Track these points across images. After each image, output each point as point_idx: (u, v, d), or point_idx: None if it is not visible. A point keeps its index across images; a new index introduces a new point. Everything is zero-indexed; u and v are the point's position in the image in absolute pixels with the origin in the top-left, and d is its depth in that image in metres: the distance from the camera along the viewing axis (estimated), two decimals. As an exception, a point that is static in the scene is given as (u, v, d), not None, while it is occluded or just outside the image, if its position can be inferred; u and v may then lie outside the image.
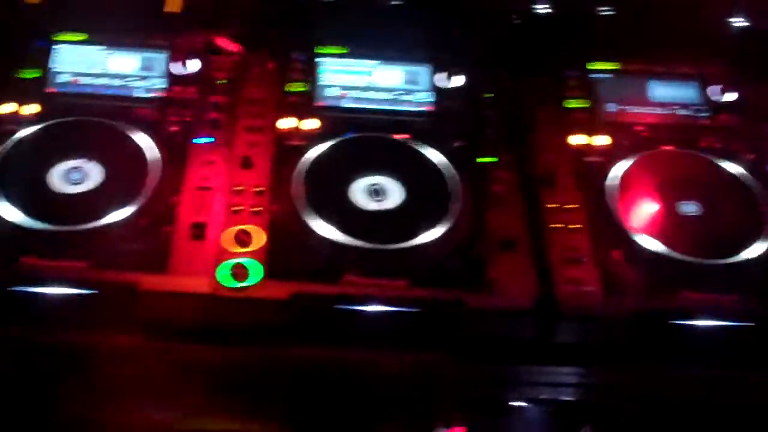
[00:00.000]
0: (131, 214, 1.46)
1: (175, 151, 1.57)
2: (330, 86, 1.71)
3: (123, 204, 1.46)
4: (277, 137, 1.62)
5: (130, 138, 1.57)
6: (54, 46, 1.72)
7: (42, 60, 1.70)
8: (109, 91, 1.67)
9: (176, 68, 1.71)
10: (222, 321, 1.40)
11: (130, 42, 1.73)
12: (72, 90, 1.67)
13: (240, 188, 1.52)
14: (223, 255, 1.43)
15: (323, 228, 1.45)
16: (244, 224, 1.47)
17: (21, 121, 1.60)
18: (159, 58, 1.72)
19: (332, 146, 1.58)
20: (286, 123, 1.64)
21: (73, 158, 1.53)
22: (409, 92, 1.71)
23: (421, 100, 1.71)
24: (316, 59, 1.74)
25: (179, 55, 1.72)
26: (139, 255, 1.43)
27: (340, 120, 1.66)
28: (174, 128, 1.61)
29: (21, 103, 1.63)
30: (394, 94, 1.71)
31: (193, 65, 1.71)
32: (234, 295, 1.39)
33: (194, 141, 1.59)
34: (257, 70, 1.73)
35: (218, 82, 1.70)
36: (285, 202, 1.51)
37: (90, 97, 1.67)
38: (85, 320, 1.40)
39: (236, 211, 1.49)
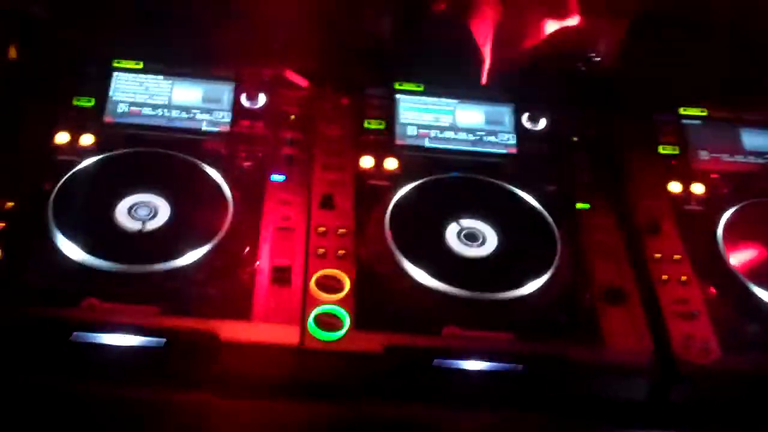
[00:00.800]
0: (206, 255, 1.31)
1: (248, 187, 1.44)
2: (409, 124, 1.59)
3: (197, 243, 1.32)
4: (357, 176, 1.49)
5: (203, 172, 1.43)
6: (113, 73, 1.59)
7: (98, 87, 1.57)
8: (173, 123, 1.54)
9: (244, 101, 1.58)
10: (310, 375, 1.25)
11: (193, 72, 1.61)
12: (132, 121, 1.54)
13: (323, 229, 1.39)
14: (310, 302, 1.29)
15: (418, 274, 1.32)
16: (329, 268, 1.33)
17: (78, 152, 1.47)
18: (224, 89, 1.60)
19: (420, 187, 1.46)
20: (366, 162, 1.51)
21: (140, 192, 1.39)
22: (491, 133, 1.60)
23: (504, 141, 1.59)
24: (395, 96, 1.62)
25: (246, 87, 1.59)
26: (215, 300, 1.29)
27: (422, 160, 1.54)
28: (246, 164, 1.48)
29: (76, 132, 1.49)
30: (477, 135, 1.59)
31: (261, 99, 1.59)
32: (324, 348, 1.25)
33: (271, 179, 1.46)
34: (330, 105, 1.61)
35: (290, 117, 1.57)
36: (372, 246, 1.38)
37: (151, 128, 1.53)
38: (155, 373, 1.24)
39: (321, 255, 1.35)
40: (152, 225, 1.35)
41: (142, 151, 1.47)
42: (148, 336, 1.23)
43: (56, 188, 1.37)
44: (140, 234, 1.34)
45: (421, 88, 1.64)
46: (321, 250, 1.36)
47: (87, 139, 1.49)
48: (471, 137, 1.59)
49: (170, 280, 1.29)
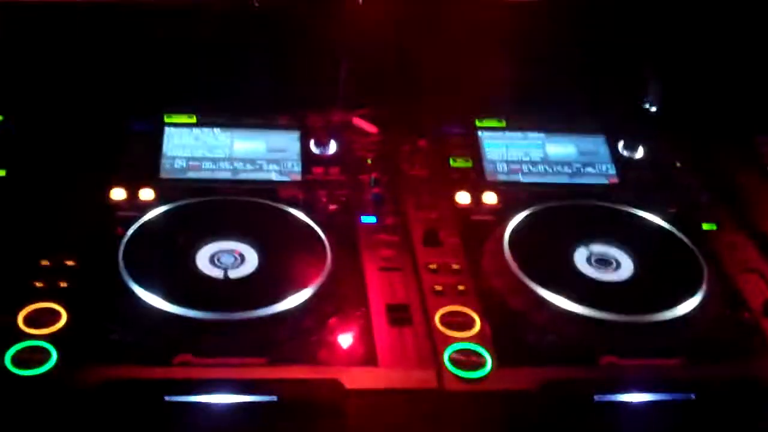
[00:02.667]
0: (310, 299, 1.12)
1: (339, 230, 1.26)
2: (499, 161, 1.44)
3: (296, 288, 1.12)
4: (457, 213, 1.32)
5: (291, 216, 1.25)
6: (164, 129, 1.42)
7: (147, 144, 1.39)
8: (239, 176, 1.37)
9: (313, 148, 1.42)
10: (452, 420, 1.04)
11: (252, 122, 1.45)
12: (193, 176, 1.36)
13: (434, 267, 1.21)
14: (440, 341, 1.09)
15: (560, 302, 1.13)
16: (452, 305, 1.14)
17: (139, 206, 1.28)
18: (289, 138, 1.44)
19: (535, 215, 1.29)
20: (462, 198, 1.35)
21: (219, 240, 1.20)
22: (588, 164, 1.45)
23: (603, 171, 1.44)
24: (477, 132, 1.47)
25: (314, 134, 1.43)
26: (331, 346, 1.09)
27: (520, 194, 1.38)
28: (331, 207, 1.31)
29: (133, 188, 1.31)
30: (573, 168, 1.44)
31: (332, 145, 1.43)
32: (468, 389, 1.04)
33: (362, 220, 1.28)
34: (408, 147, 1.45)
35: (367, 161, 1.41)
36: (496, 279, 1.19)
37: (215, 182, 1.35)
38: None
39: (439, 292, 1.16)
40: (239, 272, 1.16)
41: (218, 199, 1.29)
42: (259, 393, 1.02)
43: (125, 241, 1.18)
44: (227, 281, 1.14)
45: (503, 124, 1.50)
46: (438, 287, 1.17)
47: (147, 194, 1.31)
48: (567, 170, 1.44)
49: (273, 327, 1.09)
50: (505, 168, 1.43)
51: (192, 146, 1.41)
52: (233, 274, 1.16)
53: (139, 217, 1.23)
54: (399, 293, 1.17)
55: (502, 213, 1.33)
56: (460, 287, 1.17)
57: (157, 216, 1.24)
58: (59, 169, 1.33)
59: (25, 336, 1.05)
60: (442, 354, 1.07)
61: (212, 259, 1.17)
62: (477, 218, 1.32)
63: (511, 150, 1.46)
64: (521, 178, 1.42)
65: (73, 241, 1.19)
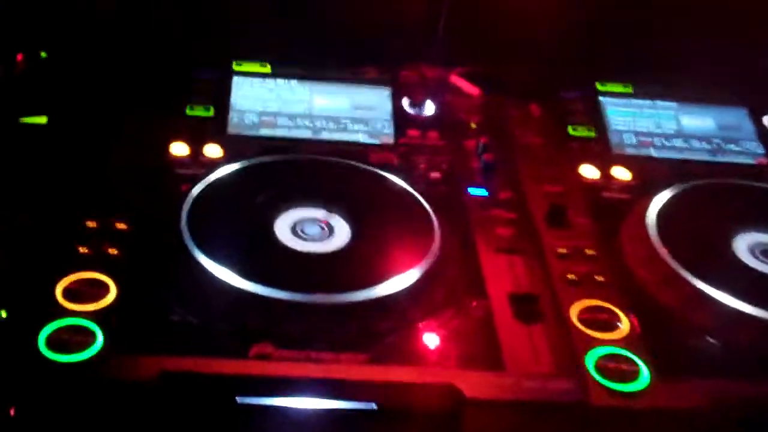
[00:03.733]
0: (417, 282, 0.90)
1: (444, 202, 1.03)
2: (626, 131, 1.21)
3: (400, 268, 0.90)
4: (583, 188, 1.09)
5: (388, 183, 1.03)
6: (232, 78, 1.20)
7: (215, 95, 1.18)
8: (320, 135, 1.16)
9: (407, 108, 1.20)
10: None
11: (333, 75, 1.23)
12: (265, 133, 1.15)
13: (563, 251, 0.98)
14: (580, 343, 0.87)
15: (734, 303, 0.90)
16: (591, 299, 0.92)
17: (204, 164, 1.07)
18: (377, 95, 1.22)
19: (679, 196, 1.06)
20: (588, 172, 1.12)
21: (303, 207, 0.98)
22: (729, 140, 1.21)
23: (751, 150, 1.21)
24: (598, 98, 1.24)
25: (409, 93, 1.21)
26: (445, 342, 0.87)
27: (656, 170, 1.15)
28: (433, 175, 1.08)
29: (197, 144, 1.09)
30: (713, 143, 1.21)
31: (428, 106, 1.21)
32: (623, 405, 0.82)
33: (469, 191, 1.06)
34: (517, 113, 1.22)
35: (470, 125, 1.19)
36: (644, 269, 0.97)
37: (292, 142, 1.14)
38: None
39: (573, 282, 0.94)
40: (328, 245, 0.94)
41: (301, 158, 1.07)
42: (355, 399, 0.80)
43: (189, 201, 0.96)
44: (313, 256, 0.92)
45: (629, 90, 1.27)
46: (571, 276, 0.95)
47: (213, 150, 1.09)
48: (706, 146, 1.21)
49: (372, 316, 0.87)
50: (634, 140, 1.20)
51: (265, 99, 1.19)
52: (320, 247, 0.94)
53: (205, 176, 1.01)
54: (523, 282, 0.95)
55: (638, 191, 1.10)
56: (598, 277, 0.95)
57: (228, 174, 1.02)
58: (109, 117, 1.12)
59: (65, 312, 0.84)
60: (583, 359, 0.85)
61: (294, 229, 0.96)
62: (608, 195, 1.10)
63: (640, 120, 1.23)
64: (653, 153, 1.19)
65: (125, 201, 0.98)
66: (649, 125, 1.23)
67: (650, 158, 1.18)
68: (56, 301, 0.84)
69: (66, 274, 0.87)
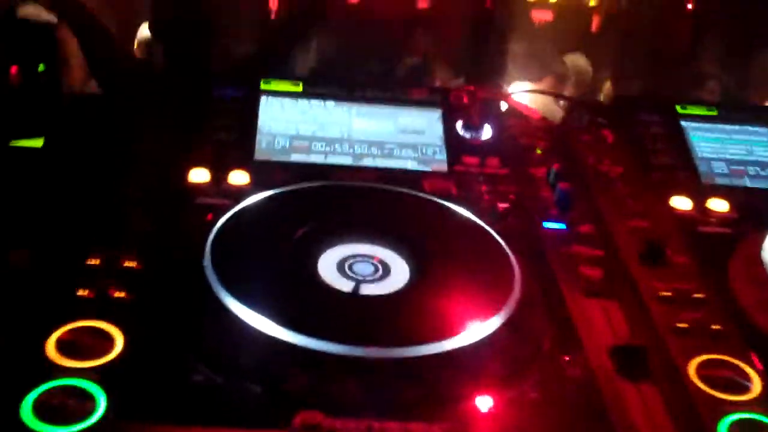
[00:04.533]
0: (497, 333, 0.72)
1: (516, 237, 0.86)
2: (714, 159, 1.04)
3: (472, 317, 0.73)
4: (677, 222, 0.93)
5: (454, 215, 0.86)
6: (260, 98, 1.04)
7: (241, 116, 1.02)
8: (362, 162, 1.00)
9: (461, 132, 1.04)
10: None
11: (378, 95, 1.07)
12: (298, 159, 0.98)
13: (666, 294, 0.81)
14: (708, 407, 0.69)
15: None
16: (710, 353, 0.74)
17: (227, 192, 0.90)
18: (427, 117, 1.05)
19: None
20: (680, 203, 0.96)
21: (350, 242, 0.81)
22: (833, 169, 1.05)
23: None
24: (679, 123, 1.08)
25: (464, 115, 1.05)
26: (539, 407, 0.69)
27: (755, 202, 0.98)
28: (502, 206, 0.91)
29: (220, 170, 0.93)
30: (815, 172, 1.04)
31: (485, 129, 1.04)
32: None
33: (544, 225, 0.89)
34: (587, 138, 1.06)
35: (536, 151, 1.03)
36: (763, 314, 0.79)
37: (330, 169, 0.97)
38: None
39: (682, 332, 0.76)
40: (383, 287, 0.77)
41: (347, 185, 0.90)
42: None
43: (213, 234, 0.79)
44: (363, 299, 0.75)
45: (713, 113, 1.10)
46: (681, 325, 0.77)
47: (239, 177, 0.92)
48: (810, 176, 1.04)
49: (446, 374, 0.69)
50: (725, 169, 1.04)
51: (297, 121, 1.03)
52: (374, 289, 0.76)
53: (232, 206, 0.84)
54: (622, 331, 0.78)
55: (739, 224, 0.93)
56: (714, 325, 0.77)
57: (260, 203, 0.85)
58: (116, 139, 0.95)
59: (59, 370, 0.66)
60: (715, 428, 0.67)
61: (342, 268, 0.78)
62: (706, 230, 0.92)
63: (729, 146, 1.07)
64: (748, 182, 1.02)
65: (135, 234, 0.81)
66: (740, 152, 1.06)
67: (746, 189, 1.01)
68: (48, 356, 0.67)
69: (62, 323, 0.70)
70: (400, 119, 1.05)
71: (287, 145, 1.00)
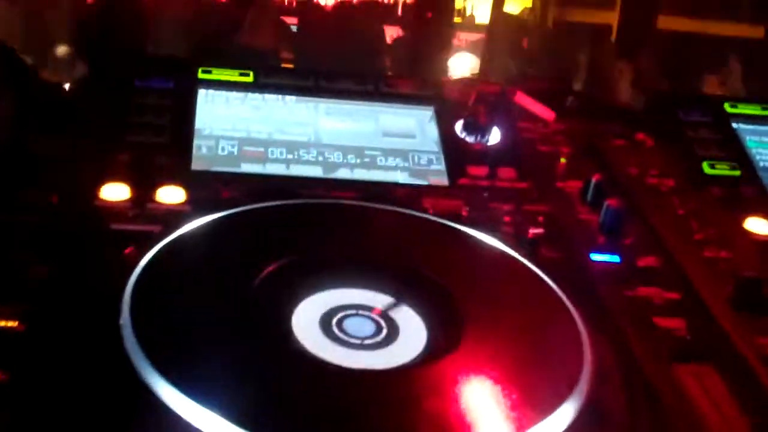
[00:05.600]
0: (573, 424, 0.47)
1: (558, 278, 0.61)
2: (775, 167, 0.82)
3: (529, 402, 0.48)
4: (759, 252, 0.70)
5: (477, 245, 0.62)
6: (197, 91, 0.79)
7: (171, 114, 0.76)
8: (335, 173, 0.74)
9: (463, 135, 0.80)
10: None
11: (348, 89, 0.82)
12: (249, 169, 0.73)
13: None
14: None
15: None
16: None
17: (154, 216, 0.64)
18: (416, 117, 0.81)
19: None
20: (758, 226, 0.73)
21: (336, 287, 0.56)
22: None
23: None
24: (730, 124, 0.86)
25: (464, 114, 0.81)
26: None
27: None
28: (532, 233, 0.67)
29: (145, 186, 0.67)
30: None
31: (494, 133, 0.80)
32: None
33: (592, 258, 0.65)
34: (622, 144, 0.83)
35: (560, 161, 0.79)
36: None
37: (295, 182, 0.72)
38: None
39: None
40: (389, 357, 0.52)
41: (332, 204, 0.65)
42: None
43: (134, 279, 0.53)
44: (365, 378, 0.50)
45: (765, 112, 0.88)
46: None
47: (170, 195, 0.67)
48: None
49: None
50: (789, 179, 0.82)
51: (248, 120, 0.78)
52: (376, 360, 0.51)
53: (162, 236, 0.58)
54: (734, 418, 0.53)
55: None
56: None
57: (201, 232, 0.59)
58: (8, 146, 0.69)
59: None
60: None
61: (327, 327, 0.53)
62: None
63: (783, 149, 0.85)
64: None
65: (23, 281, 0.55)
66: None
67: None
68: None
69: None
70: (381, 119, 0.81)
71: (236, 152, 0.74)
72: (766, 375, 0.56)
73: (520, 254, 0.61)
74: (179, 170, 0.71)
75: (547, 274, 0.59)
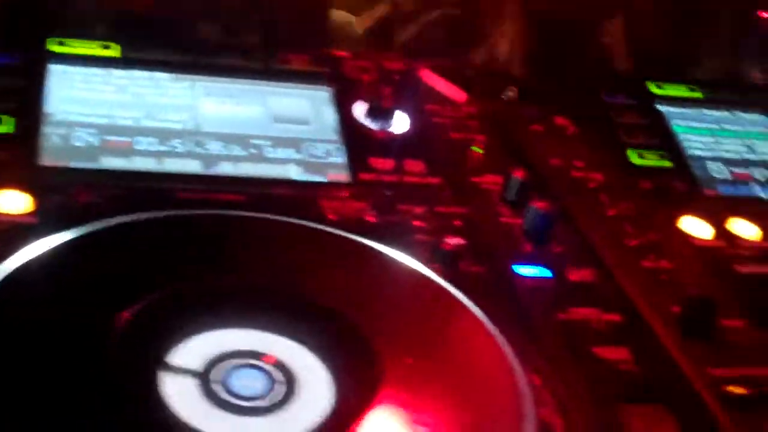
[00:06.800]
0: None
1: (477, 295, 0.52)
2: (709, 159, 0.75)
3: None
4: (698, 260, 0.62)
5: (389, 266, 0.52)
6: (46, 67, 0.66)
7: (13, 95, 0.63)
8: (214, 170, 0.63)
9: (364, 121, 0.69)
10: None
11: (233, 65, 0.71)
12: (113, 164, 0.61)
13: (738, 390, 0.50)
14: None
15: None
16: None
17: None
18: (310, 98, 0.70)
19: None
20: (694, 228, 0.65)
21: (216, 328, 0.45)
22: None
23: None
24: (655, 106, 0.78)
25: (365, 96, 0.71)
26: None
27: None
28: (449, 244, 0.57)
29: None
30: (837, 176, 0.77)
31: (400, 119, 0.70)
32: None
33: (515, 270, 0.57)
34: (539, 130, 0.74)
35: (476, 150, 0.70)
36: None
37: (169, 179, 0.60)
38: None
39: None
40: (284, 421, 0.41)
41: (205, 215, 0.54)
42: None
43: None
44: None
45: (698, 95, 0.81)
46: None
47: (11, 201, 0.54)
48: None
49: None
50: (725, 172, 0.75)
51: (111, 104, 0.65)
52: (269, 426, 0.41)
53: (-4, 260, 0.46)
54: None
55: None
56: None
57: (48, 255, 0.47)
58: None
59: None
60: None
61: (207, 385, 0.42)
62: (747, 270, 0.62)
63: (723, 141, 0.78)
64: (761, 193, 0.74)
65: None
66: (739, 149, 0.78)
67: (761, 201, 0.73)
68: None
69: None
70: (271, 101, 0.69)
71: (95, 143, 0.62)
72: (725, 414, 0.49)
73: (439, 275, 0.51)
74: (23, 167, 0.58)
75: (472, 300, 0.50)
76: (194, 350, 0.43)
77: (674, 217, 0.66)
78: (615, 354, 0.52)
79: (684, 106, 0.80)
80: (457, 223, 0.61)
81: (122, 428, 0.38)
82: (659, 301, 0.56)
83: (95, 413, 0.38)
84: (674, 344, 0.53)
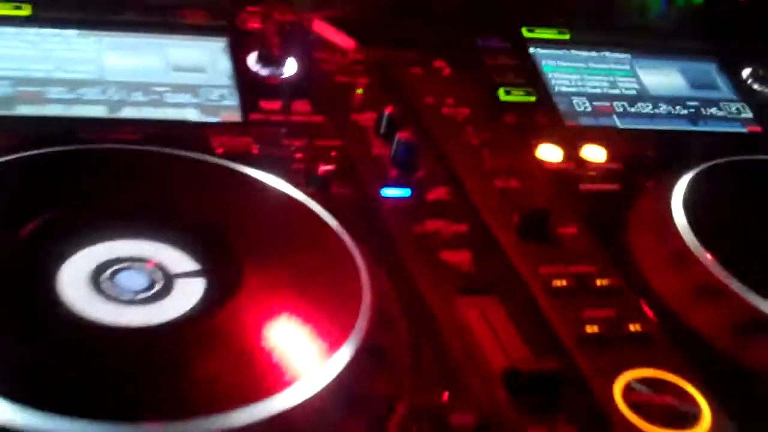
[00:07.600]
0: (346, 375, 0.47)
1: (346, 217, 0.60)
2: (574, 94, 0.84)
3: (310, 352, 0.47)
4: (551, 179, 0.71)
5: (257, 187, 0.60)
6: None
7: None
8: (119, 113, 0.71)
9: (255, 67, 0.77)
10: None
11: (134, 20, 0.78)
12: (26, 111, 0.68)
13: (560, 283, 0.59)
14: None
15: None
16: (639, 368, 0.53)
17: None
18: (208, 49, 0.78)
19: (707, 183, 0.70)
20: (551, 154, 0.74)
21: (112, 239, 0.53)
22: (708, 103, 0.87)
23: (735, 114, 0.87)
24: (527, 48, 0.87)
25: (257, 45, 0.78)
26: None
27: (633, 147, 0.78)
28: (323, 170, 0.65)
29: None
30: (689, 107, 0.86)
31: (289, 64, 0.78)
32: None
33: (383, 194, 0.65)
34: (418, 72, 0.83)
35: (356, 91, 0.78)
36: (688, 301, 0.59)
37: (76, 123, 0.68)
38: None
39: (596, 340, 0.55)
40: (161, 311, 0.49)
41: (102, 149, 0.61)
42: None
43: None
44: (136, 336, 0.47)
45: (566, 36, 0.90)
46: (591, 329, 0.55)
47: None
48: (682, 110, 0.86)
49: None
50: (588, 106, 0.83)
51: (23, 59, 0.73)
52: (148, 315, 0.49)
53: None
54: (511, 346, 0.54)
55: (625, 178, 0.73)
56: (632, 326, 0.56)
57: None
58: None
59: None
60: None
61: (96, 280, 0.50)
62: (590, 188, 0.71)
63: (588, 78, 0.87)
64: (618, 123, 0.83)
65: None
66: (602, 85, 0.86)
67: (617, 131, 0.82)
68: None
69: None
70: (170, 52, 0.77)
71: (11, 93, 0.69)
72: (546, 301, 0.58)
73: (306, 194, 0.60)
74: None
75: (332, 213, 0.58)
76: (89, 256, 0.52)
77: (533, 146, 0.75)
78: (458, 257, 0.61)
79: (554, 48, 0.88)
80: (333, 153, 0.69)
81: (24, 316, 0.46)
82: (503, 213, 0.65)
83: (4, 302, 0.47)
84: (510, 246, 0.61)
